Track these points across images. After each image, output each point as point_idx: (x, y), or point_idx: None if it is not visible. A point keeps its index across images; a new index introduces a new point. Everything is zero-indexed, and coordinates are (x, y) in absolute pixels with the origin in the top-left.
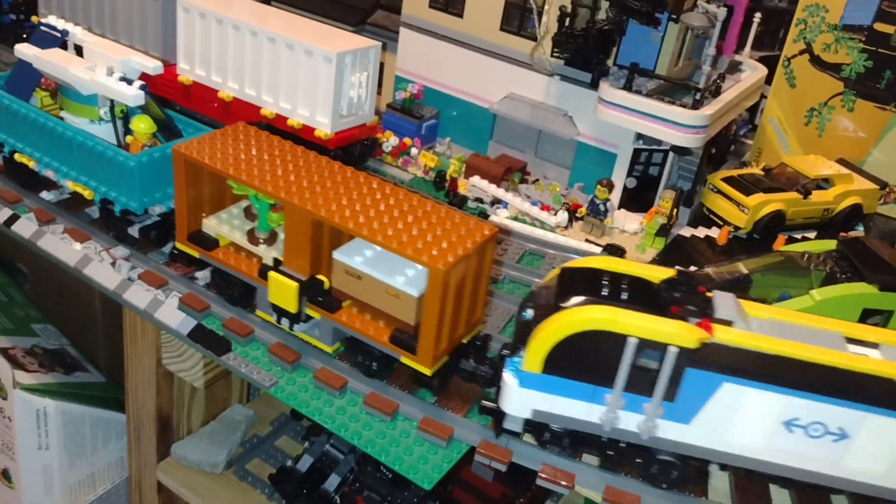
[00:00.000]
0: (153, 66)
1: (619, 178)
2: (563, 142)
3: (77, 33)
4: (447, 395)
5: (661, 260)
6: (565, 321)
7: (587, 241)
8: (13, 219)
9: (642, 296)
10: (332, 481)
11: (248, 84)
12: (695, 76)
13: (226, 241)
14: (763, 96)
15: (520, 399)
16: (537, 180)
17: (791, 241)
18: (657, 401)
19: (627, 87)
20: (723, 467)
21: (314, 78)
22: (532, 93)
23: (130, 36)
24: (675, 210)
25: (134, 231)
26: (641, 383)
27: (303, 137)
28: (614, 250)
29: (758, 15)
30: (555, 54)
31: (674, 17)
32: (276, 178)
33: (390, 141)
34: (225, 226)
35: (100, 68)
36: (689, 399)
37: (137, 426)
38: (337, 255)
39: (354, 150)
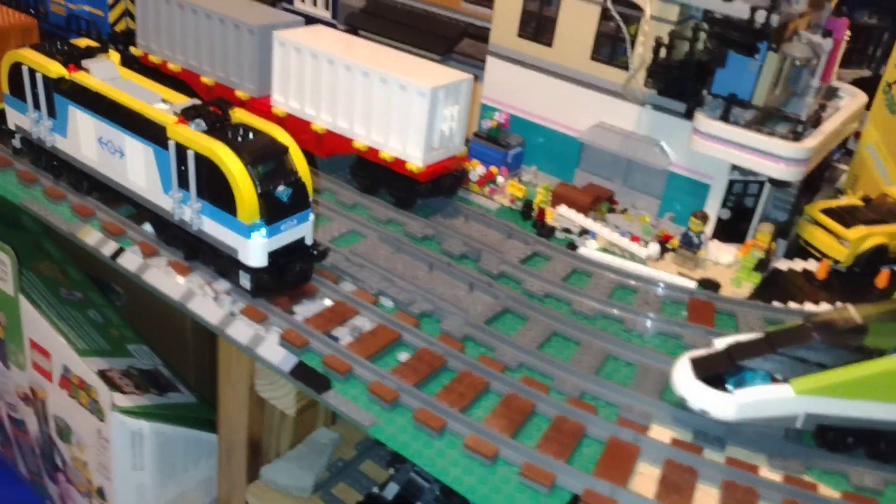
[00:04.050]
0: None
1: (712, 208)
2: (654, 171)
3: None
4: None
5: (758, 294)
6: None
7: (680, 274)
8: (119, 252)
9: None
10: None
11: (341, 117)
12: (790, 103)
13: None
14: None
15: None
16: (626, 210)
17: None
18: None
19: (724, 117)
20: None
21: (407, 112)
22: (622, 122)
23: (226, 68)
24: (772, 244)
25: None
26: None
27: (394, 170)
28: (709, 285)
29: (847, 32)
30: (649, 84)
31: (773, 46)
32: None
33: (477, 170)
34: None
35: None
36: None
37: (228, 449)
38: None
39: (445, 181)
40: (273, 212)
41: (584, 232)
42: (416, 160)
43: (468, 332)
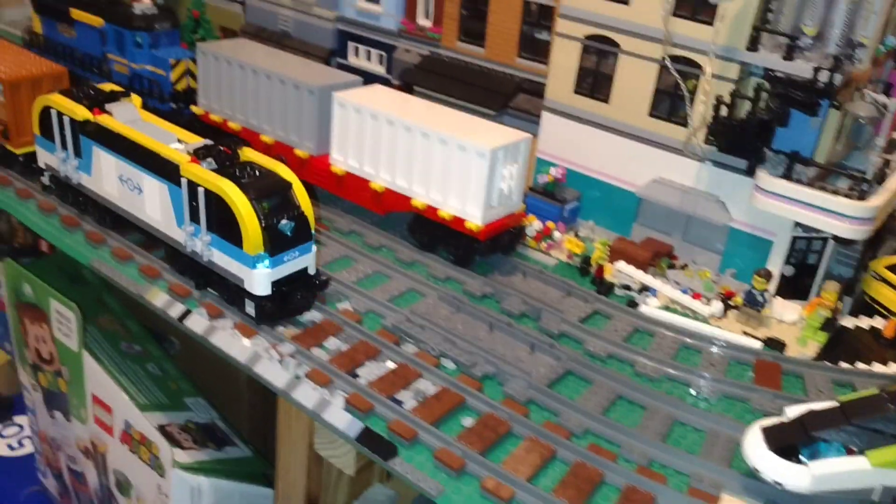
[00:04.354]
0: None
1: (775, 265)
2: (714, 227)
3: None
4: None
5: (825, 354)
6: None
7: (744, 333)
8: (186, 314)
9: None
10: None
11: (400, 175)
12: (853, 157)
13: None
14: None
15: None
16: (686, 266)
17: None
18: None
19: (786, 175)
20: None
21: (466, 172)
22: (681, 177)
23: (286, 127)
24: (838, 302)
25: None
26: None
27: (452, 228)
28: (774, 344)
29: None
30: (709, 142)
31: (836, 104)
32: None
33: (533, 225)
34: None
35: None
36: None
37: None
38: None
39: (503, 239)
40: (276, 244)
41: (643, 289)
42: (475, 219)
43: (531, 395)
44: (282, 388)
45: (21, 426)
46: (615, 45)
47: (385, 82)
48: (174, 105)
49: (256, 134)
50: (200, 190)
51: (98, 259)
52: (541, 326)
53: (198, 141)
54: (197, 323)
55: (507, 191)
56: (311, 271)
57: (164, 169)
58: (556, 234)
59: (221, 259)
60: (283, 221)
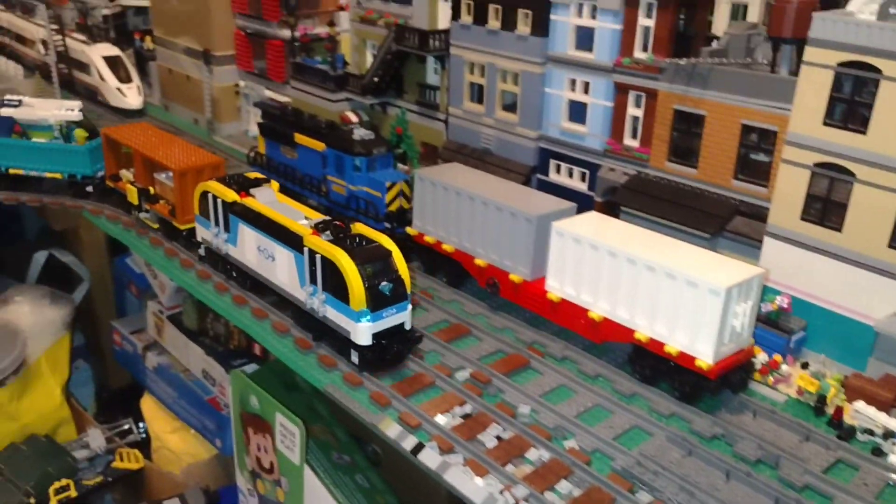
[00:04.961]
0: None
1: None
2: None
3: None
4: None
5: None
6: None
7: None
8: (419, 448)
9: None
10: None
11: (622, 306)
12: None
13: (126, 178)
14: None
15: None
16: None
17: None
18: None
19: None
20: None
21: (697, 308)
22: None
23: (500, 252)
24: None
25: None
26: None
27: (679, 364)
28: None
29: None
30: None
31: None
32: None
33: (759, 357)
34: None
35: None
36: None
37: None
38: None
39: (733, 377)
40: (377, 302)
41: (888, 434)
42: (705, 357)
43: None
44: None
45: None
46: (850, 173)
47: (587, 199)
48: (388, 224)
49: (471, 257)
50: (318, 256)
51: (332, 385)
52: (781, 476)
53: (319, 217)
54: (430, 458)
55: (740, 328)
56: (407, 327)
57: (292, 240)
58: (784, 368)
59: (333, 314)
60: (383, 283)
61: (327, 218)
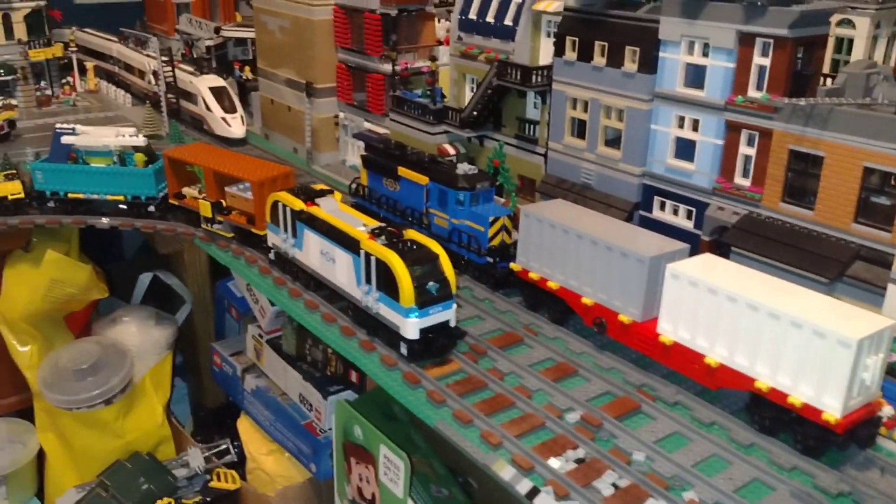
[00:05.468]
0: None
1: None
2: None
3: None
4: None
5: None
6: None
7: None
8: (534, 492)
9: None
10: None
11: (741, 354)
12: None
13: (191, 195)
14: None
15: None
16: None
17: None
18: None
19: None
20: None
21: (825, 360)
22: None
23: (609, 291)
24: None
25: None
26: None
27: (802, 416)
28: None
29: None
30: None
31: None
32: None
33: (884, 410)
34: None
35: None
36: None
37: None
38: None
39: (861, 431)
40: (424, 300)
41: None
42: (833, 410)
43: None
44: None
45: None
46: None
47: (693, 238)
48: (490, 259)
49: (577, 295)
50: (373, 259)
51: (443, 422)
52: None
53: (374, 224)
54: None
55: (869, 381)
56: (452, 324)
57: (350, 244)
58: None
59: (385, 311)
60: (430, 283)
61: (383, 224)
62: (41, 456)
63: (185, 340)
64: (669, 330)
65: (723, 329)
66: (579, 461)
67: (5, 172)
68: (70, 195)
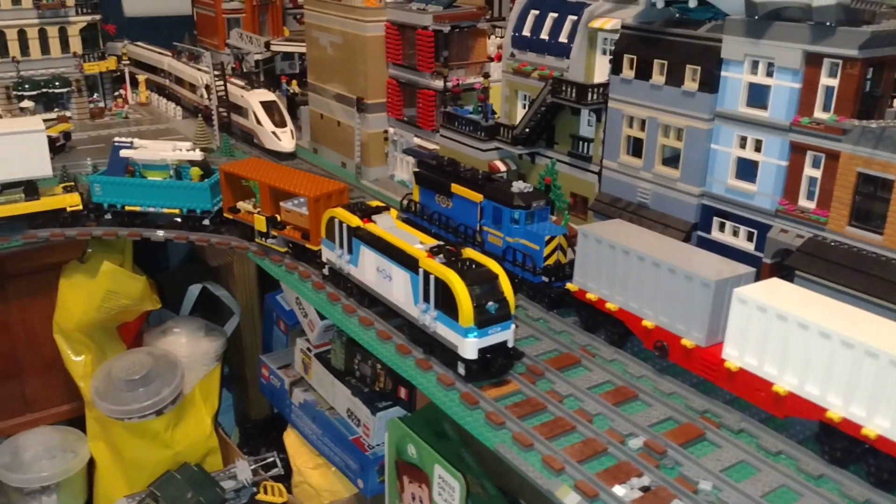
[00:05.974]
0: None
1: None
2: None
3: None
4: None
5: None
6: None
7: None
8: None
9: None
10: None
11: (811, 382)
12: None
13: (246, 209)
14: None
15: None
16: None
17: None
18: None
19: None
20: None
21: None
22: None
23: (671, 315)
24: None
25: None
26: None
27: (877, 448)
28: None
29: None
30: None
31: None
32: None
33: None
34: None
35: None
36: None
37: None
38: None
39: None
40: (483, 319)
41: None
42: None
43: None
44: None
45: None
46: None
47: (754, 260)
48: (545, 279)
49: (638, 318)
50: (432, 277)
51: (503, 445)
52: None
53: (432, 242)
54: None
55: None
56: (510, 345)
57: (408, 262)
58: None
59: (443, 330)
60: (490, 303)
61: (441, 243)
62: (92, 465)
63: (232, 352)
64: (735, 356)
65: (793, 356)
66: (644, 489)
67: (64, 184)
68: (127, 208)
